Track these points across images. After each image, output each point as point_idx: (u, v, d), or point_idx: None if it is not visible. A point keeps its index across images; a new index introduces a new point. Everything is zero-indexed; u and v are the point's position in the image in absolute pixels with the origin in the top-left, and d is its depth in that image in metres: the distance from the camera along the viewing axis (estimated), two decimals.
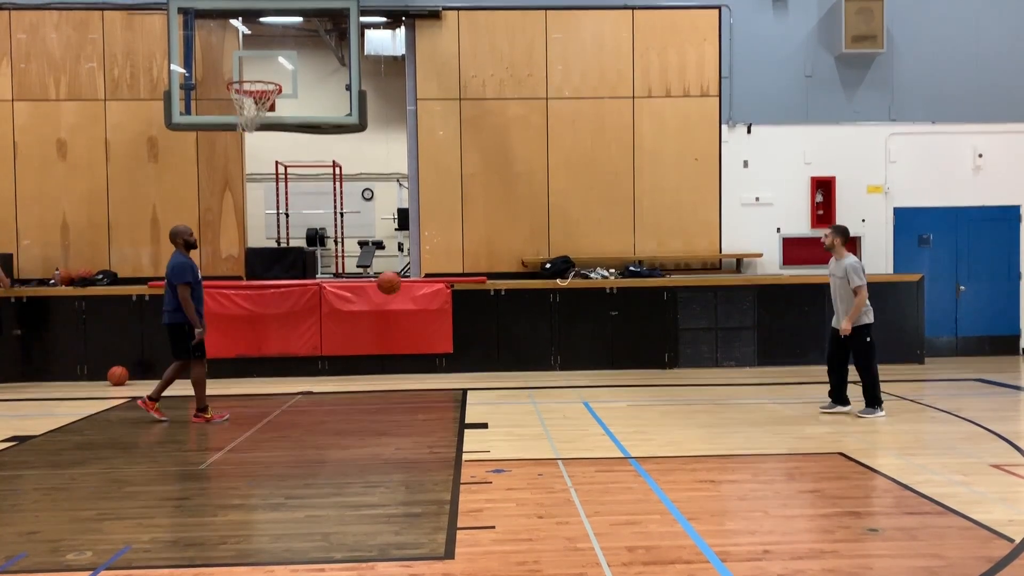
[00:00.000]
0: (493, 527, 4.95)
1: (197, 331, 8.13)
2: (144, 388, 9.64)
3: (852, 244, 12.49)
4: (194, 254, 8.38)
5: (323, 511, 5.35)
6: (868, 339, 8.09)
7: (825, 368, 8.48)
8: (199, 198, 12.06)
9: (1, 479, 6.32)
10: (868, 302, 8.07)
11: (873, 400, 8.15)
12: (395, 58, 13.36)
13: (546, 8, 12.18)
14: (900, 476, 5.97)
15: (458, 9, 12.13)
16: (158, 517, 5.35)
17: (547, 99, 12.23)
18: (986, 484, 5.78)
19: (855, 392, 8.28)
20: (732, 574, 4.22)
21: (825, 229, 8.43)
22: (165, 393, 8.48)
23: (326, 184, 17.68)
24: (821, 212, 12.44)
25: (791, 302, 11.65)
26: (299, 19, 14.29)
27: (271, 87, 10.57)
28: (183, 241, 8.29)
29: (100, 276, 11.59)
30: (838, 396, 8.35)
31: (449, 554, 4.52)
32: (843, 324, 8.08)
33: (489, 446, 7.06)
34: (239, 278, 11.91)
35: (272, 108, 10.61)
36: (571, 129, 12.25)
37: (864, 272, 8.11)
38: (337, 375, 11.18)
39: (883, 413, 8.12)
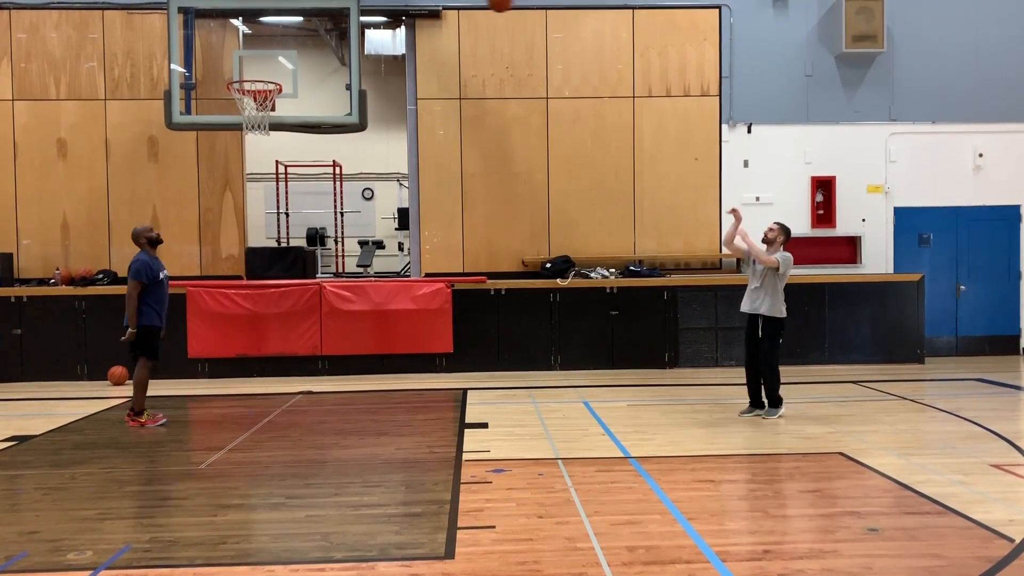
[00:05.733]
0: (493, 527, 4.95)
1: (129, 330, 7.93)
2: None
3: (852, 246, 12.56)
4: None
5: (323, 511, 5.35)
6: (780, 340, 8.12)
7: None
8: (199, 198, 12.06)
9: (1, 479, 6.32)
10: (784, 299, 8.13)
11: (776, 400, 8.15)
12: (395, 58, 13.37)
13: (546, 8, 12.18)
14: (900, 476, 5.97)
15: (458, 9, 12.13)
16: (158, 517, 5.35)
17: (547, 99, 12.23)
18: (986, 484, 5.78)
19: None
20: (732, 574, 4.22)
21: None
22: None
23: (326, 184, 17.68)
24: (821, 212, 12.44)
25: (791, 302, 11.38)
26: (299, 19, 14.29)
27: (271, 87, 10.57)
28: (146, 239, 8.21)
29: (100, 276, 11.59)
30: (755, 398, 8.34)
31: (449, 554, 4.52)
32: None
33: (489, 446, 7.07)
34: (239, 277, 11.91)
35: (272, 108, 10.61)
36: (571, 129, 12.25)
37: (791, 267, 8.17)
38: (337, 375, 11.19)
39: (783, 412, 8.13)
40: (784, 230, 8.31)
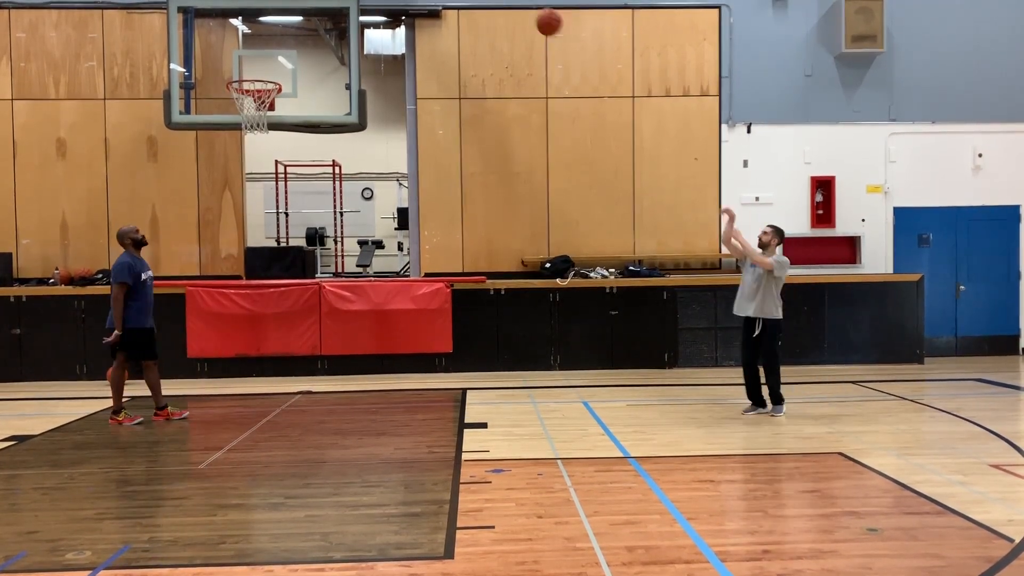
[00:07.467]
0: (492, 527, 4.95)
1: (115, 333, 7.95)
2: (143, 388, 9.62)
3: (851, 246, 12.56)
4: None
5: (322, 511, 5.34)
6: (779, 341, 8.18)
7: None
8: (199, 197, 12.05)
9: (1, 479, 6.32)
10: (780, 300, 8.15)
11: (779, 398, 8.24)
12: (395, 57, 13.36)
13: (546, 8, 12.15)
14: (900, 476, 5.97)
15: (458, 8, 12.12)
16: (157, 517, 5.35)
17: (547, 98, 12.22)
18: (986, 484, 5.78)
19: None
20: (732, 574, 4.22)
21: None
22: (165, 393, 8.56)
23: (326, 183, 17.68)
24: (821, 212, 12.43)
25: (791, 302, 11.43)
26: (299, 18, 14.28)
27: (271, 86, 10.57)
28: (131, 240, 8.17)
29: (99, 275, 11.58)
30: (756, 397, 8.41)
31: (448, 554, 4.52)
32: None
33: (488, 446, 7.06)
34: (238, 277, 11.91)
35: (272, 107, 10.60)
36: (571, 129, 12.24)
37: (786, 269, 8.14)
38: (336, 374, 11.18)
39: (785, 410, 8.23)
40: (777, 232, 8.32)
